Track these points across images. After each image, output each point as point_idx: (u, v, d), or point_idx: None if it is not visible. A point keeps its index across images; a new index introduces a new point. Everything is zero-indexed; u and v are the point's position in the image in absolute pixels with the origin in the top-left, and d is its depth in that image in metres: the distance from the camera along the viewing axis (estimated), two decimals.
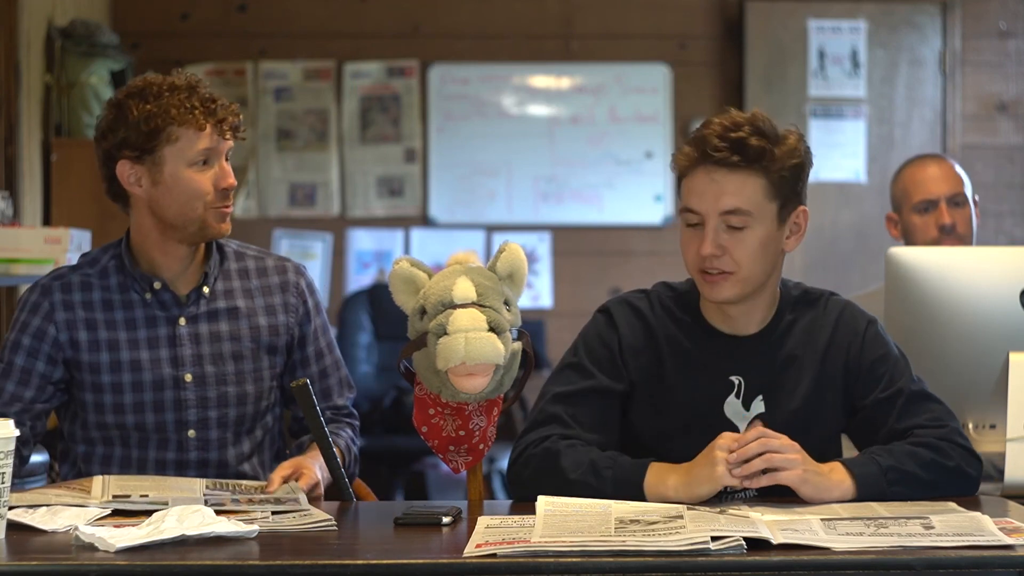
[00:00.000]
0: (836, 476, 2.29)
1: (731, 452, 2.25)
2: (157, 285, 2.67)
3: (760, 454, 2.25)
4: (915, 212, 3.59)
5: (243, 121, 2.69)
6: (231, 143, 2.66)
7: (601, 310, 2.53)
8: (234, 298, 2.72)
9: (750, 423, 2.43)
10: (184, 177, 2.61)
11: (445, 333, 2.30)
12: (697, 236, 2.39)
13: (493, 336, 2.30)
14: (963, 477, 2.37)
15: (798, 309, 2.51)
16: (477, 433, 2.41)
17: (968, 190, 3.62)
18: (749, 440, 2.26)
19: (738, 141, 2.35)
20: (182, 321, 2.67)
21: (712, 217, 2.37)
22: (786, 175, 2.39)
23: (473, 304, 2.32)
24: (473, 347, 2.28)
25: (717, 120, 2.39)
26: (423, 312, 2.36)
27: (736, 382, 2.45)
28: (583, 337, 2.51)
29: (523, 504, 2.30)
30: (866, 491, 2.28)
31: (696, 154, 2.38)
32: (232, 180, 2.64)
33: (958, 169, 3.64)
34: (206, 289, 2.69)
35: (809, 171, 2.45)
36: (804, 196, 2.46)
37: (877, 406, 2.45)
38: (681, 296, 2.51)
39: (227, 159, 2.66)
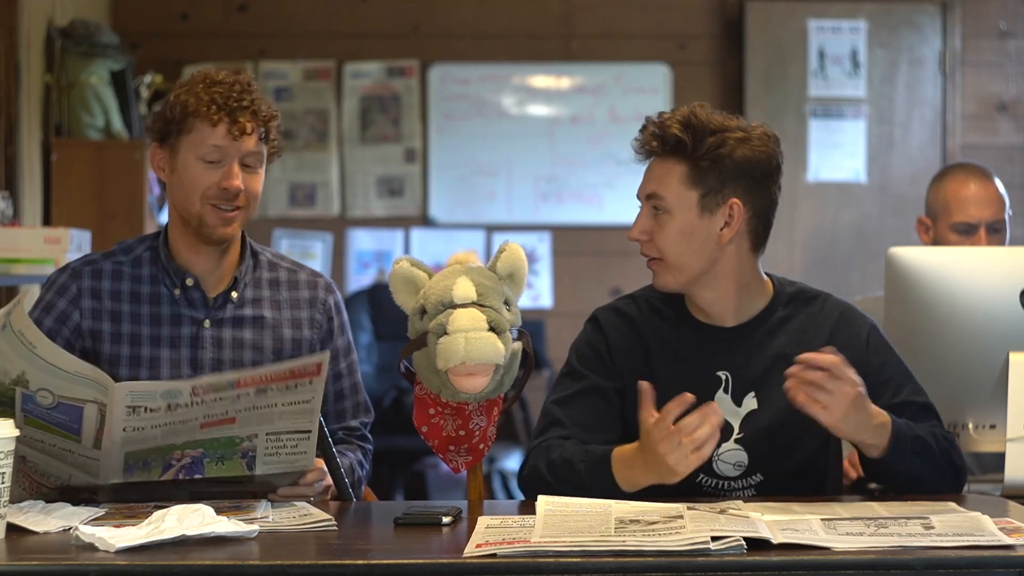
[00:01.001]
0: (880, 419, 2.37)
1: (688, 435, 2.21)
2: (189, 282, 2.66)
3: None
4: (952, 231, 3.54)
5: (277, 129, 2.65)
6: (251, 147, 2.61)
7: (589, 319, 2.58)
8: (262, 307, 2.71)
9: (744, 420, 2.46)
10: (191, 169, 2.61)
11: (445, 333, 2.30)
12: None
13: (493, 336, 2.30)
14: (960, 476, 2.47)
15: (792, 306, 2.53)
16: (477, 433, 2.41)
17: (1007, 213, 3.57)
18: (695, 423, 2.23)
19: (660, 131, 2.47)
20: (207, 323, 2.66)
21: (642, 201, 2.51)
22: (705, 164, 2.43)
23: (473, 304, 2.33)
24: (473, 347, 2.28)
25: (664, 113, 2.52)
26: (423, 312, 2.36)
27: (723, 377, 2.47)
28: (574, 347, 2.57)
29: (526, 504, 2.30)
30: (896, 446, 2.37)
31: (638, 142, 2.52)
32: (234, 182, 2.60)
33: (1001, 189, 3.56)
34: (235, 294, 2.69)
35: (756, 167, 2.45)
36: (749, 191, 2.46)
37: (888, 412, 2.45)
38: (667, 294, 2.55)
39: (249, 165, 2.62)
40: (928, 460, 2.40)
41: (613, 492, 2.28)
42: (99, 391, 2.19)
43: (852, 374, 2.30)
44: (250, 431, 2.25)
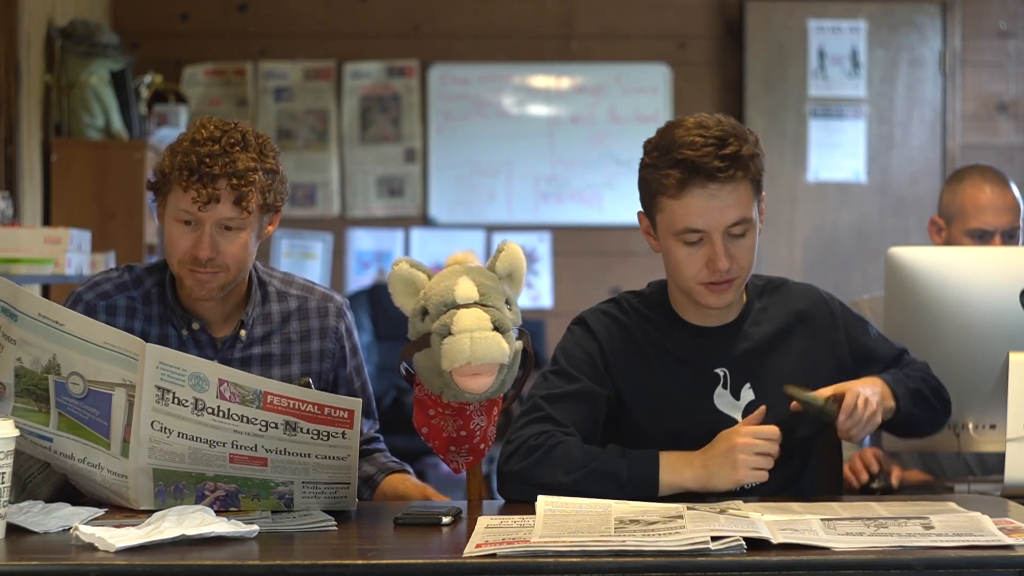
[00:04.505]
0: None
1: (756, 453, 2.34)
2: (195, 326, 2.64)
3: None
4: (966, 236, 3.52)
5: (251, 193, 2.54)
6: (225, 214, 2.53)
7: (576, 322, 2.57)
8: (270, 344, 2.69)
9: (745, 411, 2.48)
10: (171, 229, 2.58)
11: (449, 333, 2.29)
12: (699, 252, 2.43)
13: (498, 335, 2.30)
14: (948, 406, 2.62)
15: (765, 297, 2.58)
16: (478, 433, 2.41)
17: (1022, 218, 3.55)
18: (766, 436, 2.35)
19: (735, 155, 2.38)
20: None
21: (718, 232, 2.40)
22: (761, 171, 2.44)
23: (476, 304, 2.32)
24: (479, 347, 2.28)
25: (697, 136, 2.38)
26: (424, 313, 2.36)
27: (721, 374, 2.50)
28: (562, 349, 2.54)
29: (519, 504, 2.30)
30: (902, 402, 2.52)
31: (688, 175, 2.38)
32: (202, 252, 2.53)
33: (1016, 195, 3.53)
34: (243, 332, 2.67)
35: None
36: None
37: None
38: (648, 298, 2.57)
39: (229, 227, 2.55)
40: (926, 404, 2.55)
41: (646, 489, 2.32)
42: (129, 366, 2.15)
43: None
44: (285, 478, 2.23)
